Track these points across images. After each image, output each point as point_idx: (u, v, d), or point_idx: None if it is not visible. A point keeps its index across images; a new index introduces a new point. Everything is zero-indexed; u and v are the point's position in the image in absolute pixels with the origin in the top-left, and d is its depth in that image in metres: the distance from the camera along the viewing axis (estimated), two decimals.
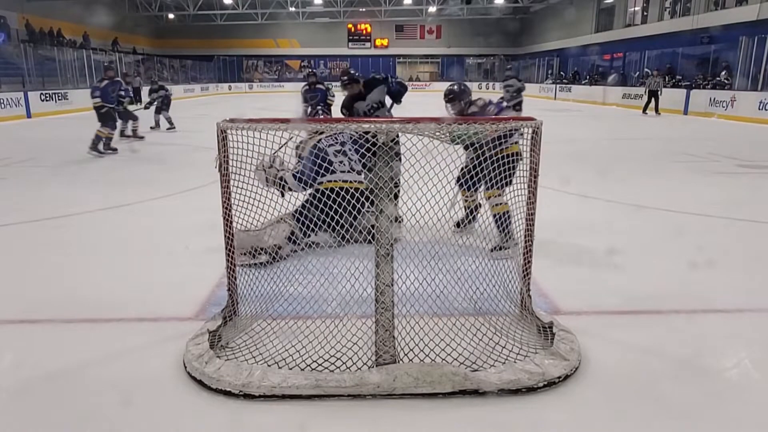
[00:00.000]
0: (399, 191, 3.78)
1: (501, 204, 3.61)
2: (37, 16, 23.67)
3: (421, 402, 2.10)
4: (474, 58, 38.24)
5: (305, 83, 9.31)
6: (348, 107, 4.88)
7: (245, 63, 38.39)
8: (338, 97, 7.14)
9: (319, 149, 3.98)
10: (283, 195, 3.57)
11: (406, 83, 5.34)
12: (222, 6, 32.97)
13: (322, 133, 3.95)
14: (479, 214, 3.71)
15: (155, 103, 12.23)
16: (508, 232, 3.46)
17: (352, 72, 4.89)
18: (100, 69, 22.80)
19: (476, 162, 3.10)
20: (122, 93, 8.85)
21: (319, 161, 3.78)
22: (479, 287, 2.64)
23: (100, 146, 8.45)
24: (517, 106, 9.76)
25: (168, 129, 12.17)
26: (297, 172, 3.84)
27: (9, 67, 18.15)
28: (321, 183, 3.89)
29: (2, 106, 14.96)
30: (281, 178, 3.71)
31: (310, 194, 3.92)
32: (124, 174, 7.27)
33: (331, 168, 3.93)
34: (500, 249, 3.51)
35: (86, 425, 2.02)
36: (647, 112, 16.80)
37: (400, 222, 4.10)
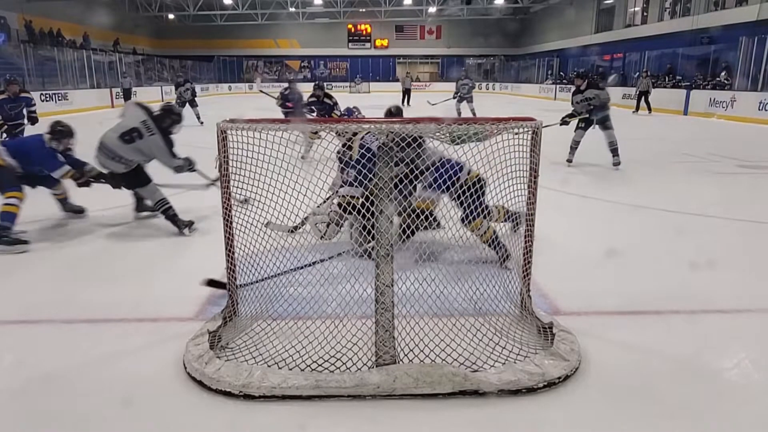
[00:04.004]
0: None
1: (486, 231, 3.42)
2: (37, 17, 23.66)
3: (421, 402, 2.10)
4: (474, 59, 38.23)
5: (311, 94, 8.29)
6: None
7: (245, 63, 38.37)
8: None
9: (367, 148, 3.75)
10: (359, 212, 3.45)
11: None
12: (222, 6, 32.93)
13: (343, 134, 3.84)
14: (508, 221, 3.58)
15: (186, 97, 12.54)
16: (504, 249, 3.40)
17: (396, 110, 5.00)
18: (100, 69, 22.82)
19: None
20: (32, 110, 7.86)
21: (370, 155, 3.52)
22: (479, 287, 2.64)
23: None
24: (607, 121, 7.18)
25: (201, 123, 12.38)
26: (354, 177, 3.61)
27: (9, 67, 18.13)
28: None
29: None
30: (345, 202, 3.51)
31: (365, 200, 3.81)
32: None
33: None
34: (503, 264, 3.43)
35: (86, 425, 2.03)
36: (638, 111, 17.24)
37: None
